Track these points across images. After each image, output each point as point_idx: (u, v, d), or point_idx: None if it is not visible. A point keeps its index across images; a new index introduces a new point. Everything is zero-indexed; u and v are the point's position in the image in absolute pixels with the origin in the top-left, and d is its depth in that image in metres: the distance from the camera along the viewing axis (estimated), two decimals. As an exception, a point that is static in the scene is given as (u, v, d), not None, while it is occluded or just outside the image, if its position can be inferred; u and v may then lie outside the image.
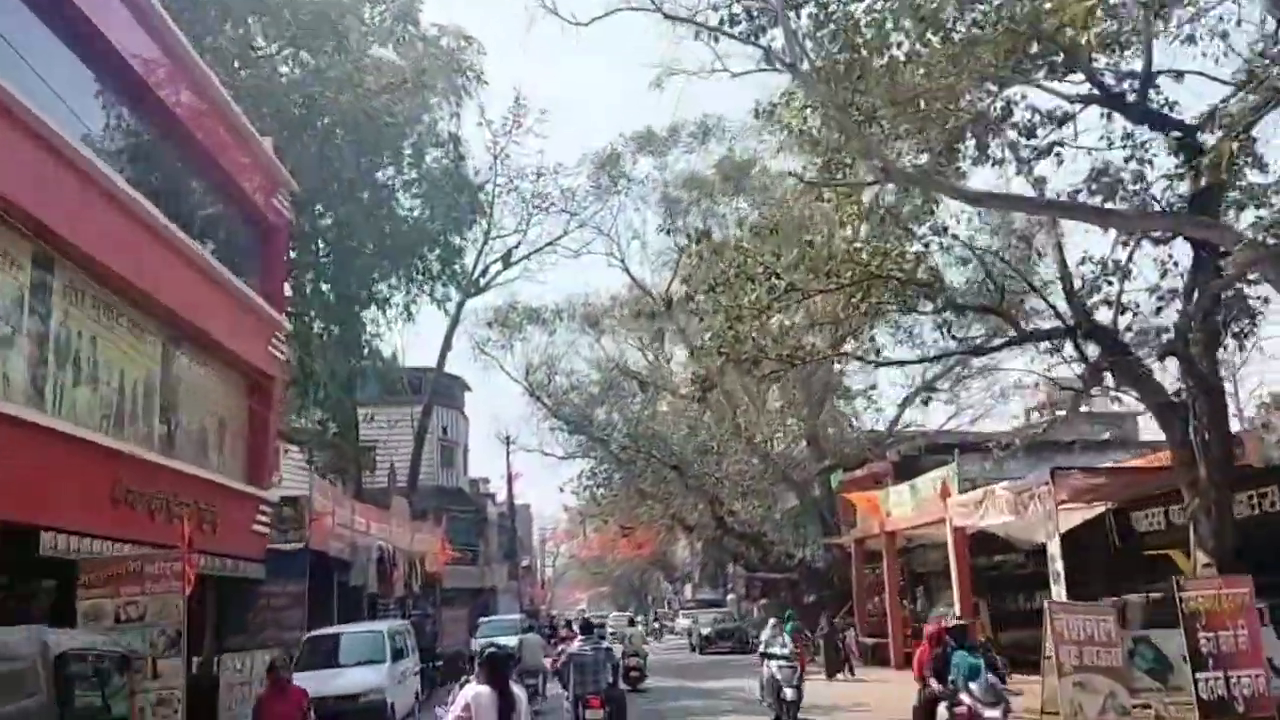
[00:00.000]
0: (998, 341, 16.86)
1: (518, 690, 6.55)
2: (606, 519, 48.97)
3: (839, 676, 25.19)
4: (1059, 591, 16.73)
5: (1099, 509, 18.23)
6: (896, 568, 27.55)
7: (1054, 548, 16.98)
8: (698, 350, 16.58)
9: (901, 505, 26.66)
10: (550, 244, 39.63)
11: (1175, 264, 14.75)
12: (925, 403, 20.63)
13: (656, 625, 53.60)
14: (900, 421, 37.83)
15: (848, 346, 17.50)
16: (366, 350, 29.33)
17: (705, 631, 36.29)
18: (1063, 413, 18.62)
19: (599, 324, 44.84)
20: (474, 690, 6.34)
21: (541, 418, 46.82)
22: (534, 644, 23.14)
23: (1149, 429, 39.61)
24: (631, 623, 35.96)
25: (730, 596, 44.04)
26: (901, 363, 21.72)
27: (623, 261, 39.13)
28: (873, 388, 38.77)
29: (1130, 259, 15.44)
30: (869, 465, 34.55)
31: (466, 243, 31.89)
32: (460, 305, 39.05)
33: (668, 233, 36.27)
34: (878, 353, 18.38)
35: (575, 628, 18.40)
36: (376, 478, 39.28)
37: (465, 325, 43.53)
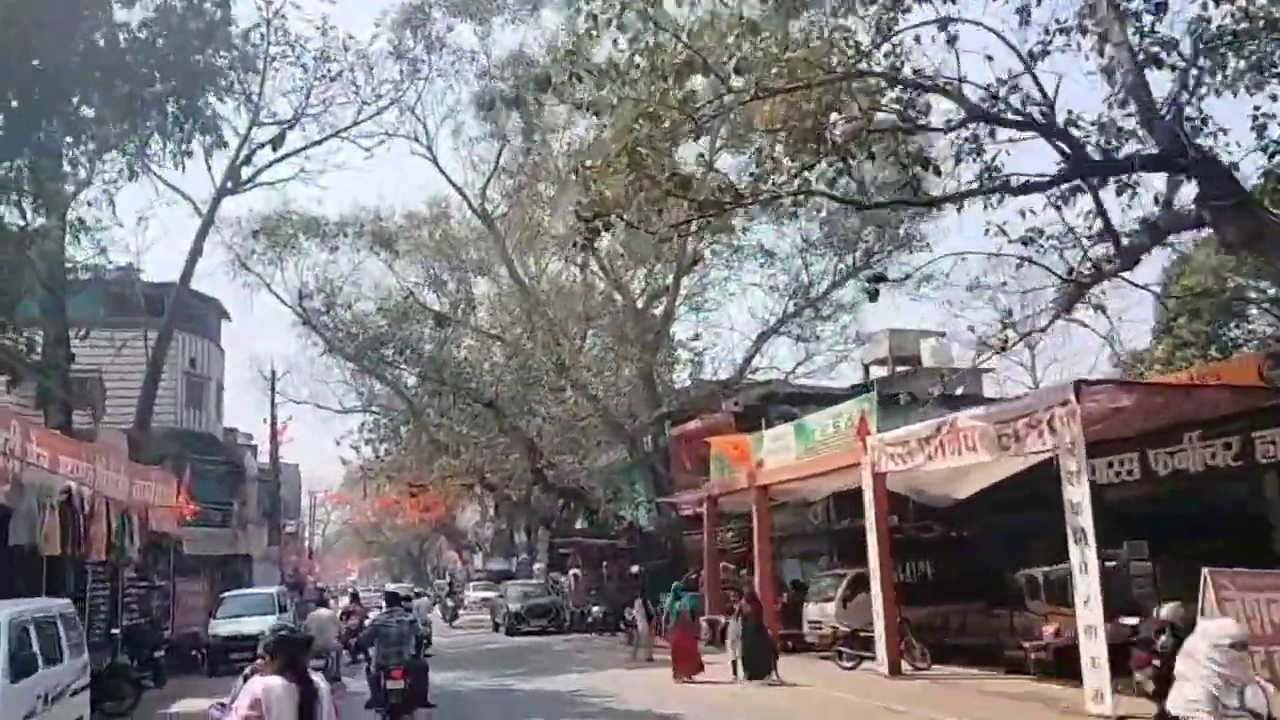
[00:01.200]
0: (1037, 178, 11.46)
1: (318, 679, 5.43)
2: (391, 476, 41.64)
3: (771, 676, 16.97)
4: (1085, 555, 11.74)
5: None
6: (768, 527, 22.31)
7: (1079, 493, 11.94)
8: (587, 170, 10.31)
9: (781, 451, 21.38)
10: (338, 133, 31.76)
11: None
12: (873, 296, 15.13)
13: (449, 601, 46.21)
14: (748, 369, 32.96)
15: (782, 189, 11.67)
16: (80, 241, 21.55)
17: (515, 607, 30.06)
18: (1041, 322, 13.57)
19: (393, 244, 37.34)
20: (263, 683, 5.21)
21: (316, 353, 39.00)
22: (324, 620, 20.36)
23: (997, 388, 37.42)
24: (415, 594, 29.26)
25: (537, 566, 37.96)
26: (884, 204, 16.29)
27: (430, 149, 31.85)
28: (696, 337, 33.83)
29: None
30: (703, 416, 29.53)
31: (222, 102, 23.80)
32: (216, 202, 30.77)
33: (488, 109, 29.38)
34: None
35: (358, 600, 21.13)
36: (110, 417, 30.70)
37: (224, 234, 35.15)
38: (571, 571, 33.40)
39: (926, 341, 32.58)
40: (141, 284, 30.99)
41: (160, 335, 30.73)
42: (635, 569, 30.30)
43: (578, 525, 37.00)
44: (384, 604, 14.13)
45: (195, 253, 31.47)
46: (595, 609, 29.55)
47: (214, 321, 41.05)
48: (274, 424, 39.87)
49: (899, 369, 32.61)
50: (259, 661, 5.59)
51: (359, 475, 55.25)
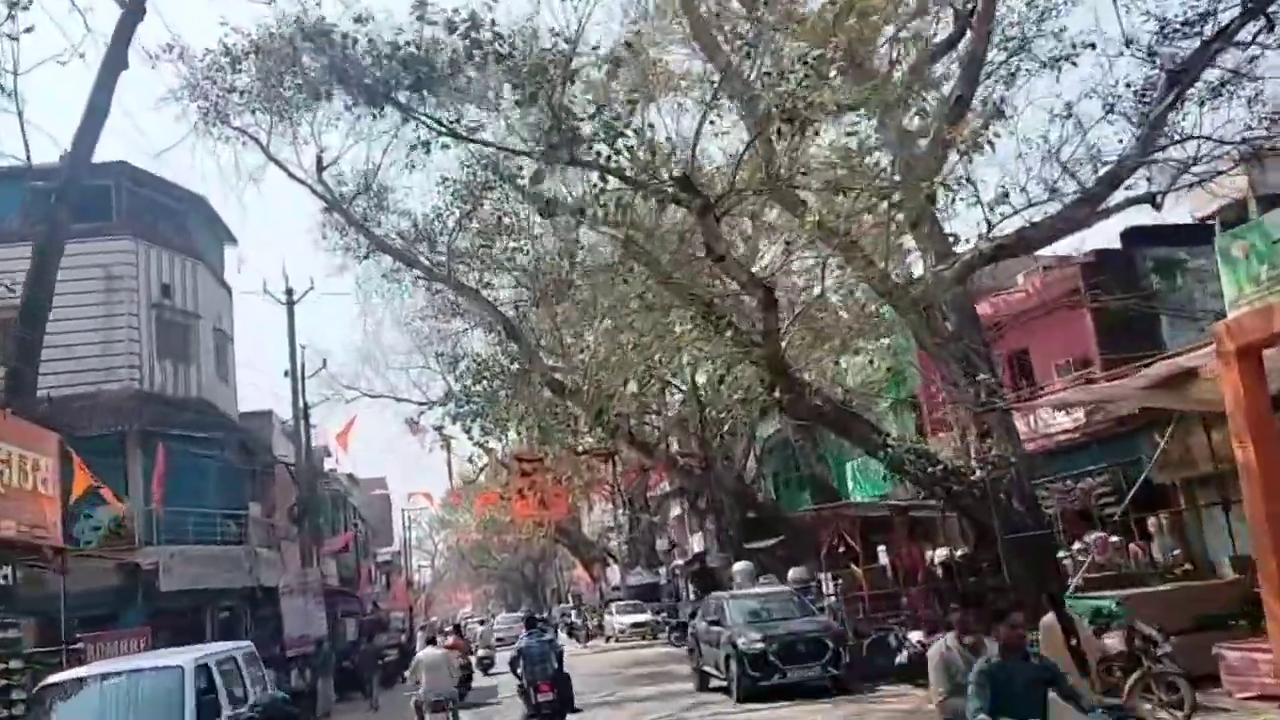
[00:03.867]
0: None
1: None
2: (487, 448, 27.27)
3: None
4: None
5: None
6: None
7: None
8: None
9: None
10: None
11: None
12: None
13: (580, 624, 33.20)
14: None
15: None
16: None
17: (753, 644, 14.42)
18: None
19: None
20: None
21: (353, 264, 24.69)
22: (436, 661, 14.41)
23: None
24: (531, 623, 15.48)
25: (739, 567, 22.79)
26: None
27: None
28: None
29: None
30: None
31: None
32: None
33: None
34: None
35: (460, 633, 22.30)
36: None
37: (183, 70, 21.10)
38: (828, 574, 17.94)
39: None
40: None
41: (51, 226, 16.93)
42: (959, 556, 15.06)
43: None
44: (525, 628, 15.49)
45: (112, 67, 17.58)
46: (913, 636, 14.32)
47: (205, 236, 27.24)
48: (296, 368, 25.47)
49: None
50: None
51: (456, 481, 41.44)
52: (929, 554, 17.04)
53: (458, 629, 26.99)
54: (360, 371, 48.73)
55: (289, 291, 25.06)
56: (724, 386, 17.56)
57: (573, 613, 42.00)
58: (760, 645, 14.54)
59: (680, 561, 44.64)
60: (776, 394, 14.32)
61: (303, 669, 21.05)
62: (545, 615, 54.82)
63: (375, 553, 66.38)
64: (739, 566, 23.26)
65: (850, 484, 26.14)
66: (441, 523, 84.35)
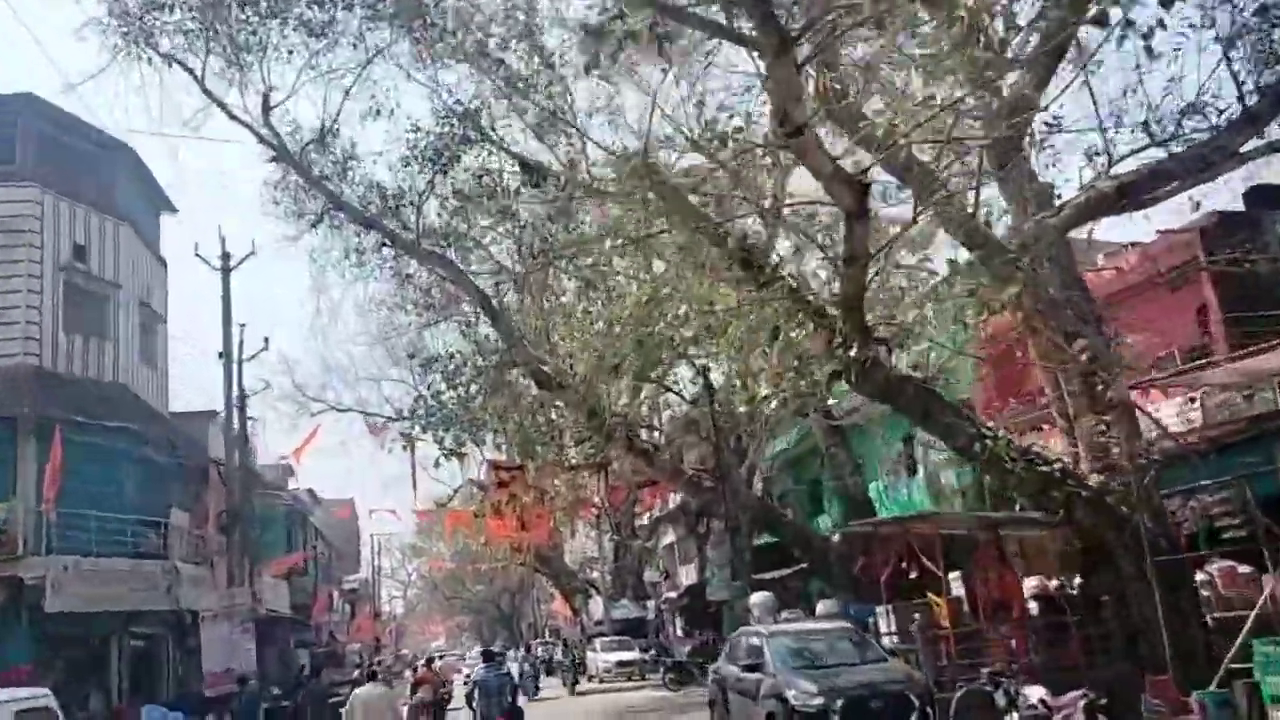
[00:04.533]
0: None
1: None
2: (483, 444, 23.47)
3: None
4: None
5: None
6: None
7: None
8: None
9: None
10: None
11: None
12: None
13: (566, 662, 29.56)
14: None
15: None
16: None
17: (811, 700, 10.50)
18: None
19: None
20: None
21: (306, 234, 20.78)
22: (375, 704, 12.48)
23: None
24: (488, 656, 17.01)
25: (757, 600, 18.82)
26: None
27: None
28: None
29: None
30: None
31: None
32: None
33: None
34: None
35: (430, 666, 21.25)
36: None
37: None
38: (887, 607, 13.94)
39: None
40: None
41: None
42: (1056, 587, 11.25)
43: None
44: (481, 662, 16.02)
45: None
46: (1031, 692, 10.45)
47: (131, 194, 23.20)
48: (231, 347, 21.22)
49: None
50: None
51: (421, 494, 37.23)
52: (1025, 582, 13.19)
53: (430, 662, 24.82)
54: (327, 382, 44.85)
55: (225, 257, 20.99)
56: (763, 363, 13.68)
57: (556, 649, 37.72)
58: (820, 701, 10.58)
59: (672, 594, 40.52)
60: (850, 354, 10.44)
61: (221, 714, 16.89)
62: (516, 649, 50.62)
63: (340, 579, 61.87)
64: (758, 598, 19.32)
65: (877, 507, 22.45)
66: (414, 550, 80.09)
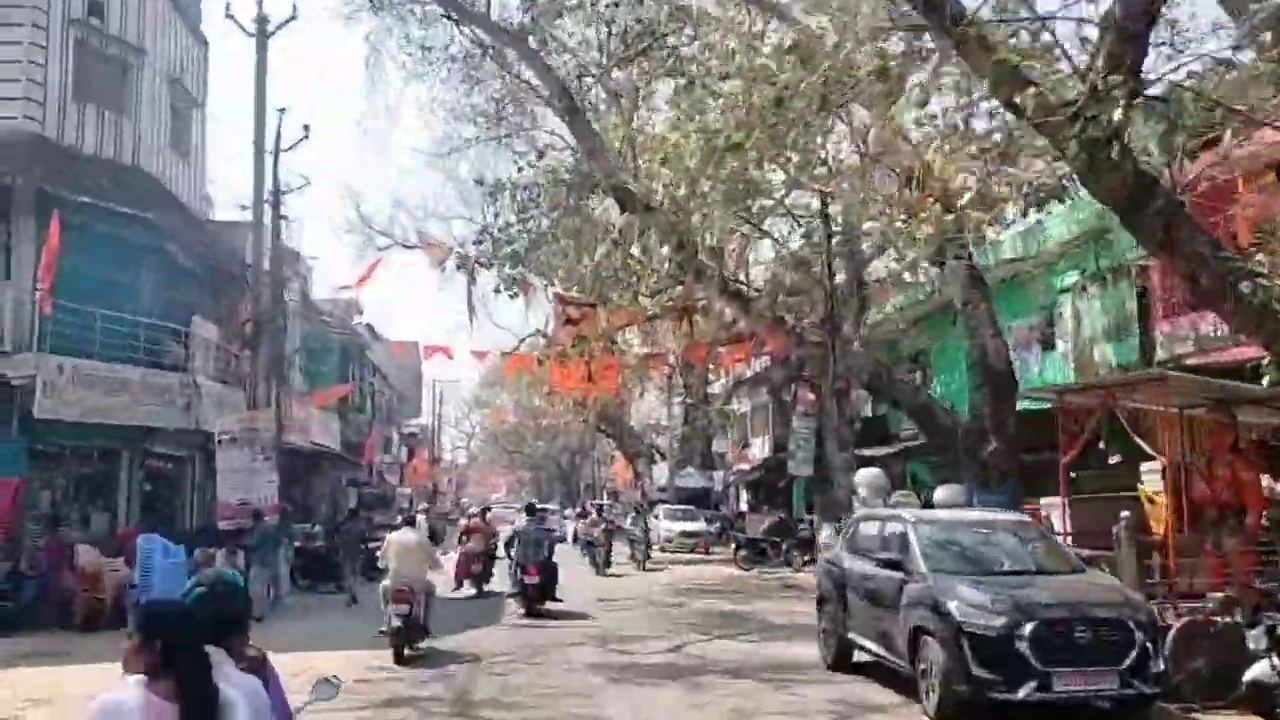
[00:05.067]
0: None
1: (231, 687, 2.71)
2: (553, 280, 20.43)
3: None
4: None
5: None
6: None
7: None
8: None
9: None
10: None
11: None
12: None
13: (639, 530, 25.81)
14: None
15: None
16: None
17: (995, 624, 7.47)
18: None
19: None
20: (113, 700, 2.60)
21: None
22: (407, 548, 12.00)
23: None
24: (531, 510, 18.70)
25: (870, 478, 15.67)
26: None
27: None
28: None
29: None
30: None
31: None
32: None
33: None
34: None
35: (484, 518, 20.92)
36: None
37: None
38: (1064, 501, 10.59)
39: None
40: None
41: None
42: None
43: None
44: (525, 515, 18.39)
45: None
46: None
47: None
48: (260, 113, 17.96)
49: None
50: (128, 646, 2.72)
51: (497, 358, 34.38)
52: (1266, 482, 9.75)
53: (484, 512, 23.67)
54: (394, 217, 41.91)
55: (261, 21, 17.63)
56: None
57: (626, 515, 32.08)
58: (1001, 622, 7.41)
59: (744, 466, 37.78)
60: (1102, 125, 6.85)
61: (233, 550, 14.48)
62: (573, 508, 48.71)
63: (401, 423, 60.56)
64: (867, 475, 16.21)
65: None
66: (477, 402, 78.95)
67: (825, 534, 22.41)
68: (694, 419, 39.35)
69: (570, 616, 14.99)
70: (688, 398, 36.74)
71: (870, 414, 28.28)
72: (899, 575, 8.66)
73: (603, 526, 24.83)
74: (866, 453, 22.36)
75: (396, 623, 10.82)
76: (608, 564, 23.46)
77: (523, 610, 15.25)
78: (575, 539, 31.28)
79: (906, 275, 18.83)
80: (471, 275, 19.67)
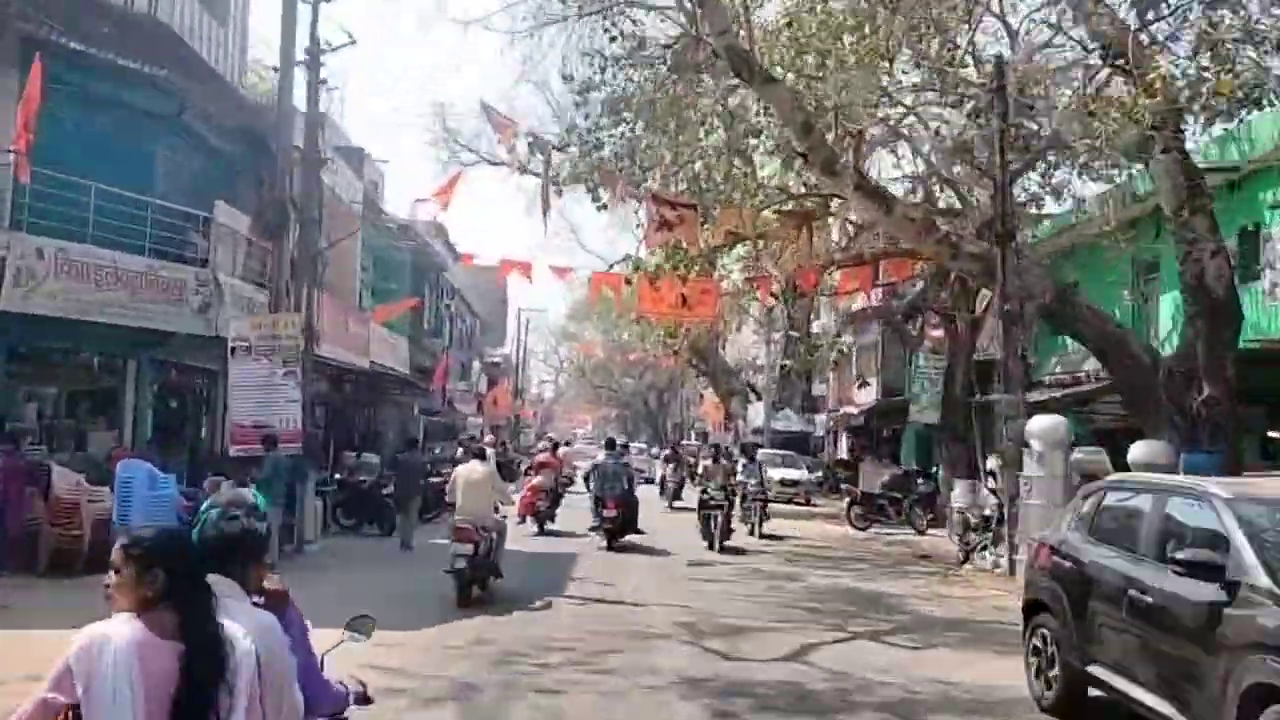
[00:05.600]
0: None
1: (237, 628, 2.38)
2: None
3: None
4: None
5: None
6: None
7: None
8: None
9: None
10: None
11: None
12: None
13: (753, 482, 19.27)
14: None
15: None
16: None
17: None
18: None
19: None
20: (100, 631, 2.30)
21: None
22: (477, 481, 11.20)
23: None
24: (610, 445, 18.62)
25: (1048, 430, 11.92)
26: None
27: None
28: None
29: None
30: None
31: None
32: None
33: None
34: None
35: (555, 453, 20.19)
36: None
37: None
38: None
39: None
40: None
41: None
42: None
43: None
44: (604, 450, 18.65)
45: None
46: None
47: None
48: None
49: None
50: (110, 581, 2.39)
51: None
52: None
53: (555, 447, 22.22)
54: (480, 129, 38.62)
55: None
56: None
57: (739, 462, 25.09)
58: None
59: (853, 409, 33.92)
60: None
61: (242, 483, 11.61)
62: (662, 447, 45.65)
63: (483, 351, 58.03)
64: (1044, 424, 12.48)
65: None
66: (564, 335, 76.47)
67: (958, 492, 18.99)
68: (796, 354, 35.60)
69: (651, 551, 15.51)
70: (791, 329, 32.93)
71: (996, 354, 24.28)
72: (1210, 589, 5.10)
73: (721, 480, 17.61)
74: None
75: (460, 564, 10.28)
76: (729, 532, 16.85)
77: (604, 543, 15.78)
78: (663, 485, 28.21)
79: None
80: (547, 159, 16.25)
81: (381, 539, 16.82)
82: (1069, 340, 21.85)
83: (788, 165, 16.81)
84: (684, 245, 17.62)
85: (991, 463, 15.40)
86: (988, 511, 14.55)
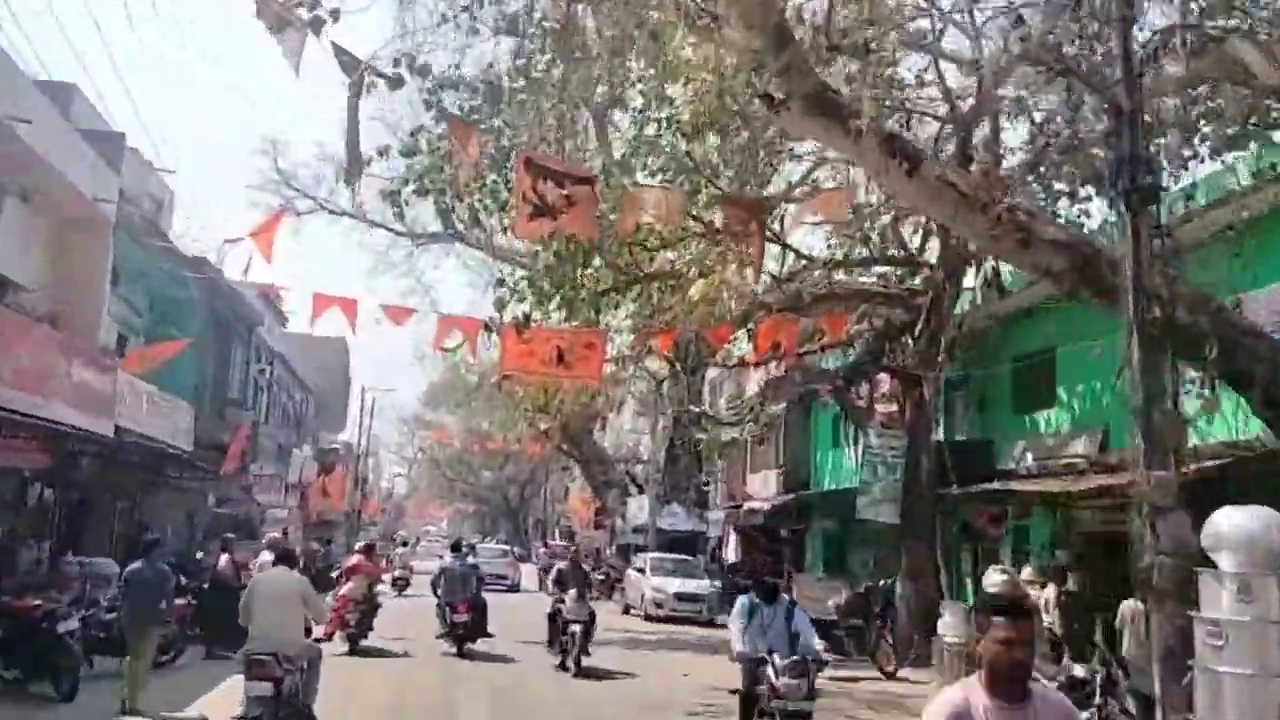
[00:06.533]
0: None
1: None
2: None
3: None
4: None
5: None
6: None
7: None
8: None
9: None
10: None
11: None
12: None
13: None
14: None
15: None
16: None
17: None
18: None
19: None
20: None
21: None
22: (280, 594, 8.93)
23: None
24: (456, 547, 17.83)
25: (1256, 533, 6.55)
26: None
27: None
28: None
29: None
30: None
31: None
32: None
33: None
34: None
35: (370, 555, 18.39)
36: None
37: None
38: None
39: None
40: None
41: None
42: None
43: None
44: (450, 552, 17.66)
45: None
46: None
47: None
48: None
49: None
50: None
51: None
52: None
53: (369, 549, 19.24)
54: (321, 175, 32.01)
55: None
56: None
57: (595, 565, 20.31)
58: None
59: (756, 504, 27.90)
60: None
61: None
62: (524, 547, 39.40)
63: (318, 436, 50.25)
64: (1242, 518, 6.88)
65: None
66: (419, 423, 69.20)
67: (949, 620, 13.57)
68: (686, 436, 29.70)
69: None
70: (685, 402, 27.15)
71: (959, 434, 19.05)
72: None
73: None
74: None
75: (255, 711, 7.86)
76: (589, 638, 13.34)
77: (454, 649, 15.07)
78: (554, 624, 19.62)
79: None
80: (359, 84, 10.04)
81: (57, 706, 9.98)
82: (1039, 419, 16.72)
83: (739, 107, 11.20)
84: (573, 243, 11.70)
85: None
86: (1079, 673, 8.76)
